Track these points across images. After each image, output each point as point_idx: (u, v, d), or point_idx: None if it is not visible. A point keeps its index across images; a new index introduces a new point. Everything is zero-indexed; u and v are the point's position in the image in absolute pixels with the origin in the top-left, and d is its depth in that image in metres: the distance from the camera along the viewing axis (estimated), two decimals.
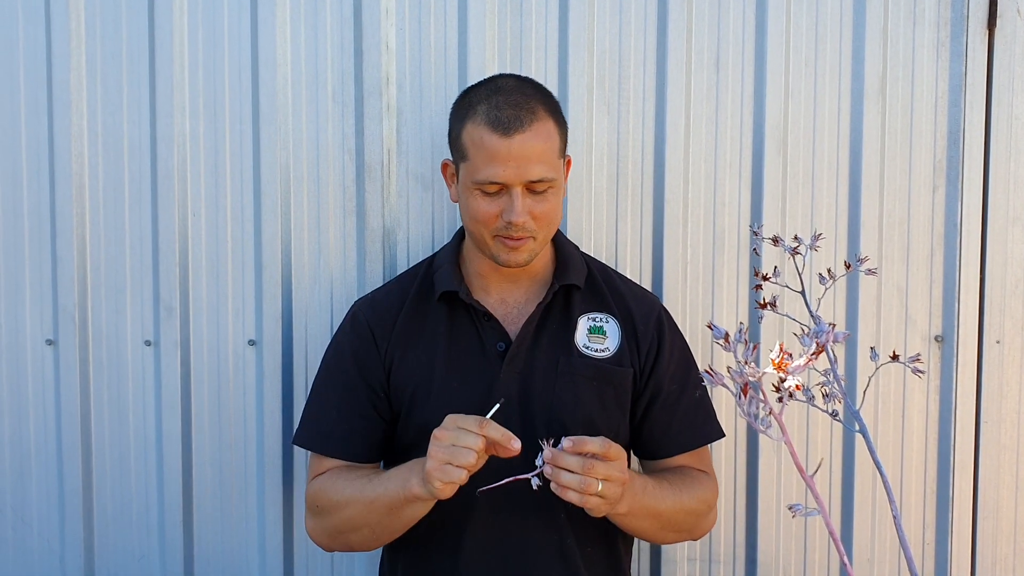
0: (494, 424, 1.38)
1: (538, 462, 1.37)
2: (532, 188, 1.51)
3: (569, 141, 1.67)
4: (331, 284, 1.87)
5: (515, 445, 1.37)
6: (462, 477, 1.36)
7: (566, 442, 1.37)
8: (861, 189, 1.83)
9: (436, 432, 1.39)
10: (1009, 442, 1.86)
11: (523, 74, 1.67)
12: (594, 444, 1.37)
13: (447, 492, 1.38)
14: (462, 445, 1.36)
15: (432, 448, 1.38)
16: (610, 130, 1.84)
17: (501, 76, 1.62)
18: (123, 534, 1.92)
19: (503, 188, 1.50)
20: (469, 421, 1.38)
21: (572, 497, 1.37)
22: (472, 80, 1.79)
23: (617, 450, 1.41)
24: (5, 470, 1.93)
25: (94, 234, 1.89)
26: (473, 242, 1.61)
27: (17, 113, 1.88)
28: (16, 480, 1.93)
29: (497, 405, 1.43)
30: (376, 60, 1.84)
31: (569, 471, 1.36)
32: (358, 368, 1.62)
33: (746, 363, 0.71)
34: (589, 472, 1.35)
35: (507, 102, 1.50)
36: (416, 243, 1.85)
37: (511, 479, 1.38)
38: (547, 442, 1.38)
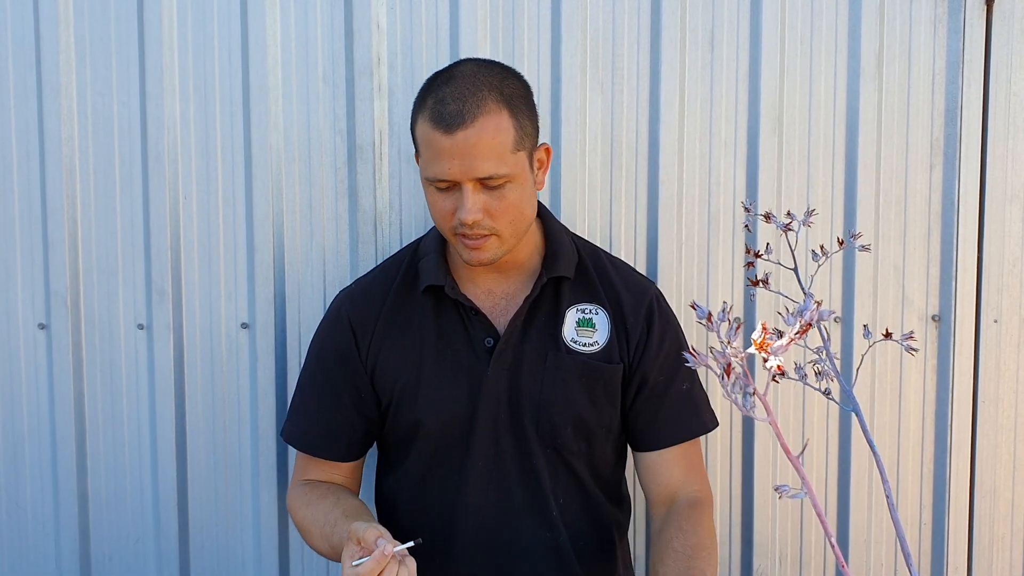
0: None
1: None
2: (485, 184, 1.43)
3: (563, 121, 1.66)
4: (323, 266, 1.86)
5: None
6: None
7: None
8: (857, 168, 1.81)
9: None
10: (1006, 422, 1.85)
11: (514, 54, 1.63)
12: None
13: None
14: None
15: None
16: (604, 110, 1.82)
17: (463, 62, 1.52)
18: (118, 517, 1.93)
19: (454, 184, 1.44)
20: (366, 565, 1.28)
21: None
22: None
23: None
24: None
25: (85, 217, 1.88)
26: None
27: (6, 96, 1.87)
28: (9, 464, 1.93)
29: (412, 543, 1.34)
30: (367, 40, 1.82)
31: None
32: (340, 367, 1.60)
33: (728, 343, 0.70)
34: None
35: (453, 94, 1.42)
36: (408, 224, 1.84)
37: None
38: None
